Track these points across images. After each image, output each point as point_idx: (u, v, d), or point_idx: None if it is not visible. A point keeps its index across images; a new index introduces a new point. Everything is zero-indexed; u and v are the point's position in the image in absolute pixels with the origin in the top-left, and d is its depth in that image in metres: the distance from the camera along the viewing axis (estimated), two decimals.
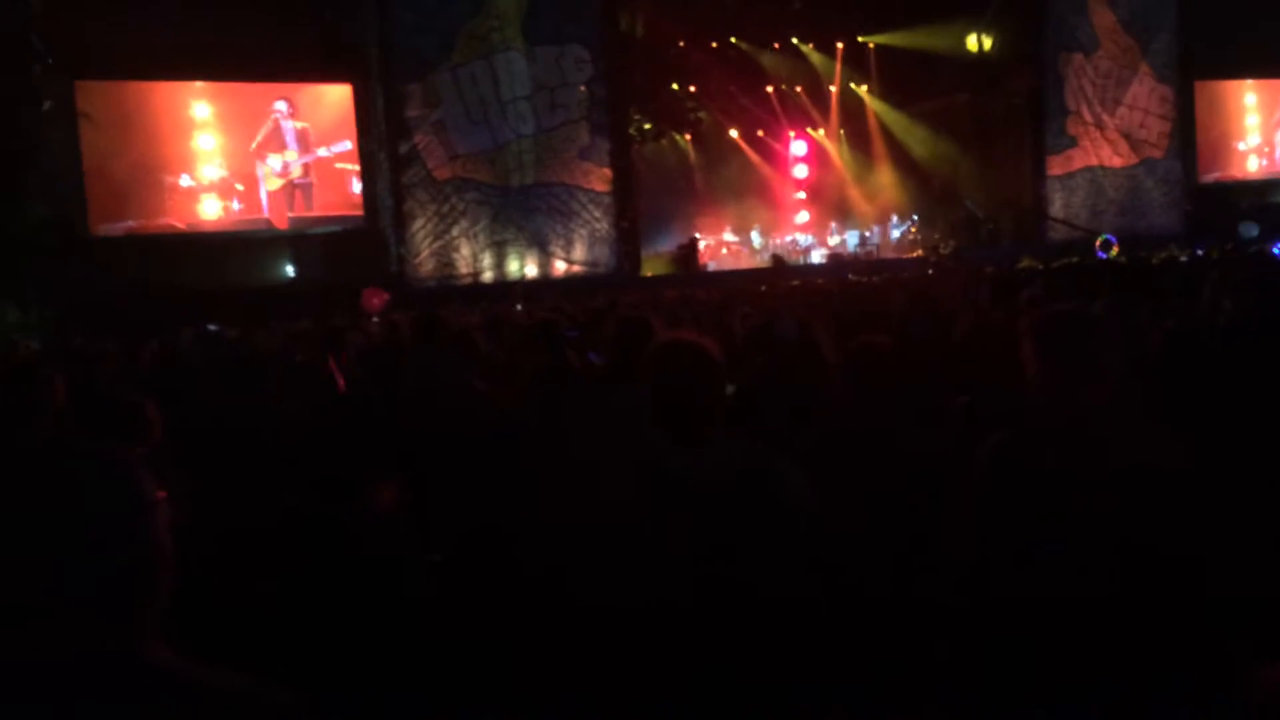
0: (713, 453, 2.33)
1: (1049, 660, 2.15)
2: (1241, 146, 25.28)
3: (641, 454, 2.37)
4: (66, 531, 1.31)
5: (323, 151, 18.65)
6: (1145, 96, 23.57)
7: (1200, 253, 15.75)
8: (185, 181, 17.80)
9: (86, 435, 3.21)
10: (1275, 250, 12.24)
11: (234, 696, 1.35)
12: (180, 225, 17.79)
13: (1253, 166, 25.39)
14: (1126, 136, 23.49)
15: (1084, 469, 2.20)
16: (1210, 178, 24.73)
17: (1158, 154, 23.79)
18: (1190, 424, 2.69)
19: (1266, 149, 25.46)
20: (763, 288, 14.63)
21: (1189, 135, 24.19)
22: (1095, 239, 20.44)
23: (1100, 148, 23.24)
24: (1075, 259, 17.30)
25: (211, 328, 10.48)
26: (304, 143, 18.56)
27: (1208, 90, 24.54)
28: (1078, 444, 2.24)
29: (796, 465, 2.41)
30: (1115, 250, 18.47)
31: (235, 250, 18.11)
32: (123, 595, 1.34)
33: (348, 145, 18.82)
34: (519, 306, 13.17)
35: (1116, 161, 23.42)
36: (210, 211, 18.02)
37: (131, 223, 17.47)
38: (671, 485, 2.27)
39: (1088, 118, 23.07)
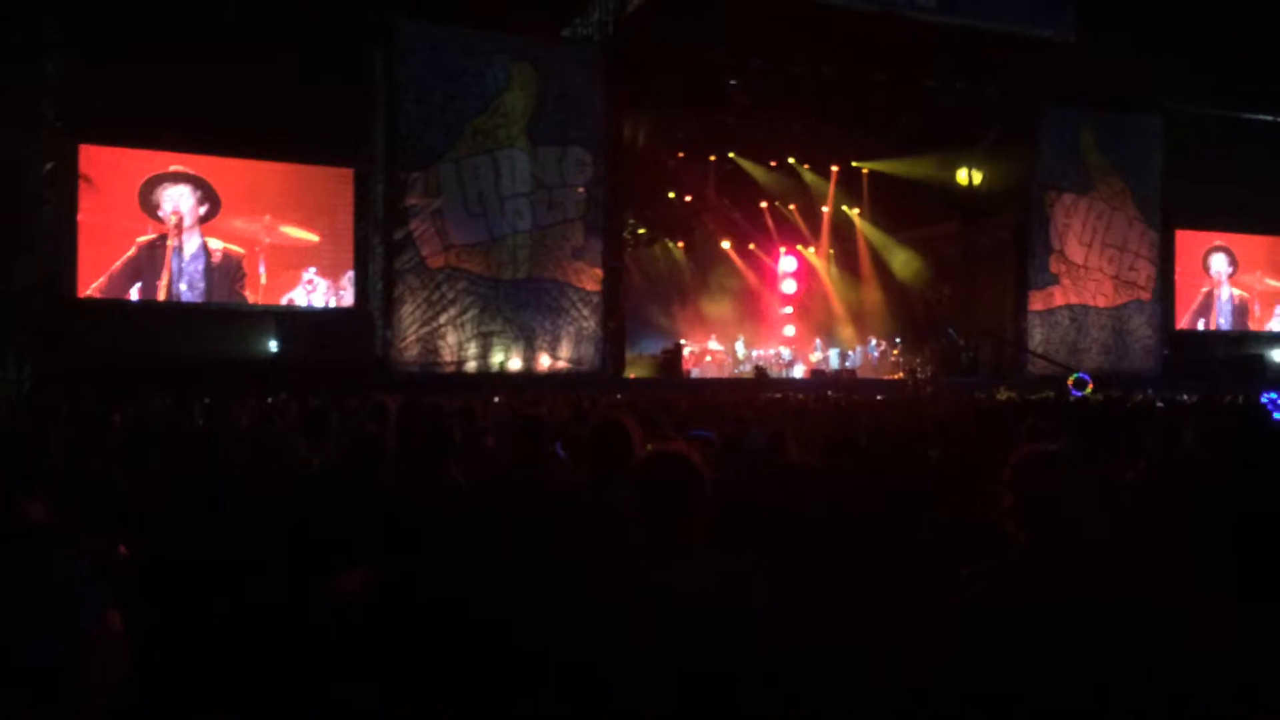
0: (697, 565, 2.33)
1: None
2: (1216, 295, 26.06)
3: (627, 567, 2.38)
4: None
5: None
6: (1136, 240, 24.17)
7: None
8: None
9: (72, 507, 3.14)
10: (1265, 399, 12.16)
11: None
12: (164, 293, 17.84)
13: (1224, 316, 26.27)
14: (1114, 278, 23.97)
15: (1065, 601, 2.25)
16: (1186, 324, 25.33)
17: (1145, 296, 24.30)
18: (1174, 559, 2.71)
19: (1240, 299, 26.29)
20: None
21: (1169, 280, 24.82)
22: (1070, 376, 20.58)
23: (1084, 286, 23.67)
24: (1052, 394, 17.40)
25: (206, 400, 10.30)
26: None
27: (1187, 239, 25.33)
28: (1058, 576, 2.30)
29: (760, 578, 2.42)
30: (1090, 388, 18.55)
31: (221, 322, 18.14)
32: (47, 697, 1.25)
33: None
34: (496, 399, 13.13)
35: (1101, 301, 23.85)
36: (197, 280, 18.08)
37: (115, 286, 17.54)
38: (660, 598, 2.27)
39: (1073, 257, 23.56)
